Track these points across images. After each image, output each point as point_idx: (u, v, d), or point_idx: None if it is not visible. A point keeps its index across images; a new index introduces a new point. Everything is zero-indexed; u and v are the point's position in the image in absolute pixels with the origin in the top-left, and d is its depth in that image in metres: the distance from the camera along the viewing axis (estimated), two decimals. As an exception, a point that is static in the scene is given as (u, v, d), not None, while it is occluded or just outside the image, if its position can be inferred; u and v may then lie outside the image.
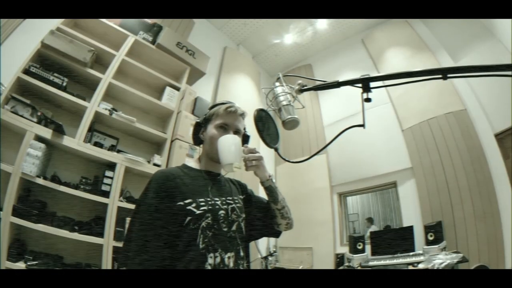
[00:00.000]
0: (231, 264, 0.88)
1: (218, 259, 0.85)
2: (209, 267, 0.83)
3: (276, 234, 1.16)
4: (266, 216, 1.09)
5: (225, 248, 0.88)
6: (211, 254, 0.84)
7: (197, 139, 1.08)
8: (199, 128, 1.07)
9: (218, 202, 0.93)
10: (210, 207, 0.90)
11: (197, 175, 0.99)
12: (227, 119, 1.01)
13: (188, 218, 0.85)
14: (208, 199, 0.92)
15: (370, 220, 5.21)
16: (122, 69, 2.71)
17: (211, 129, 1.01)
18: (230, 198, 0.99)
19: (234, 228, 0.94)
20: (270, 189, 1.03)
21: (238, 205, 1.00)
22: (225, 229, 0.91)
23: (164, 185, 0.89)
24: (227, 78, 4.48)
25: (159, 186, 0.88)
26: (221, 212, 0.92)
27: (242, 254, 0.94)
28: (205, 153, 1.04)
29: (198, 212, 0.87)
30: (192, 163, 1.05)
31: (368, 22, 4.74)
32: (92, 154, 2.24)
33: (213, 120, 1.02)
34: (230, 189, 1.05)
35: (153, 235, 0.82)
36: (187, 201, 0.87)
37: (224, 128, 1.00)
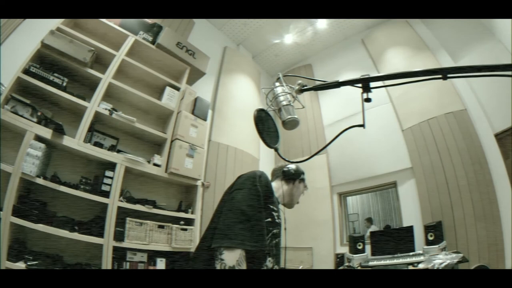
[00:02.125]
0: None
1: (271, 265, 1.02)
2: (264, 268, 0.98)
3: None
4: None
5: (277, 259, 1.07)
6: (270, 259, 1.02)
7: (288, 179, 1.35)
8: (296, 176, 1.36)
9: (283, 224, 1.20)
10: (281, 222, 1.17)
11: (275, 195, 1.24)
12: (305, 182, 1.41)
13: (269, 219, 1.04)
14: (281, 217, 1.20)
15: (370, 220, 5.21)
16: (122, 69, 2.71)
17: (300, 188, 1.37)
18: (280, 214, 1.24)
19: (281, 247, 1.15)
20: None
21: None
22: (280, 245, 1.12)
23: (268, 185, 1.11)
24: (227, 78, 4.48)
25: (266, 184, 1.09)
26: (282, 229, 1.18)
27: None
28: (286, 193, 1.32)
29: (277, 220, 1.10)
30: (274, 184, 1.31)
31: (368, 22, 4.74)
32: (92, 154, 2.24)
33: (301, 183, 1.39)
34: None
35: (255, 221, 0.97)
36: (273, 208, 1.09)
37: (304, 187, 1.40)
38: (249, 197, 0.98)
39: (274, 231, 1.05)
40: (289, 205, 1.34)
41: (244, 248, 0.88)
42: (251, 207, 0.96)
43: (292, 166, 1.36)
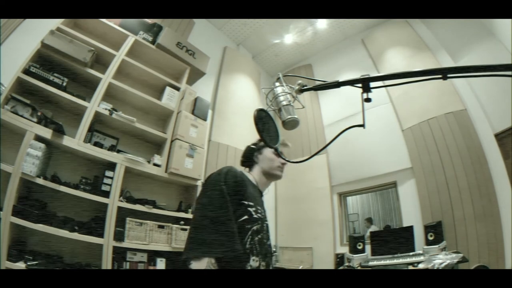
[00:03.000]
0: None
1: (257, 264, 0.97)
2: (249, 268, 0.93)
3: None
4: None
5: (263, 256, 1.01)
6: (254, 257, 0.96)
7: (249, 161, 1.27)
8: (253, 151, 1.28)
9: (266, 216, 1.13)
10: (262, 217, 1.07)
11: (254, 187, 1.17)
12: (282, 149, 1.28)
13: (245, 217, 0.98)
14: (262, 210, 1.11)
15: (370, 220, 5.21)
16: (122, 69, 2.71)
17: (269, 154, 1.24)
18: (267, 219, 1.16)
19: (269, 242, 1.09)
20: None
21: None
22: (265, 240, 1.04)
23: (237, 181, 1.03)
24: (227, 78, 4.48)
25: (234, 180, 1.02)
26: (266, 223, 1.10)
27: (271, 267, 1.08)
28: (261, 172, 1.24)
29: (255, 216, 1.02)
30: (250, 176, 1.22)
31: (368, 22, 4.74)
32: (92, 154, 2.24)
33: (260, 149, 1.27)
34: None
35: (219, 223, 0.91)
36: (249, 203, 1.02)
37: (278, 156, 1.22)
38: (213, 201, 0.93)
39: (254, 227, 0.99)
40: (273, 178, 1.25)
41: (210, 256, 0.86)
42: (216, 211, 0.92)
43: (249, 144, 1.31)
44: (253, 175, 1.23)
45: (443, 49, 3.80)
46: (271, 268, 1.06)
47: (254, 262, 0.94)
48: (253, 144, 1.30)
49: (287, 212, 4.61)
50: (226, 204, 0.94)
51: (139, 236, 2.28)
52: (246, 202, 1.00)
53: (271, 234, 1.23)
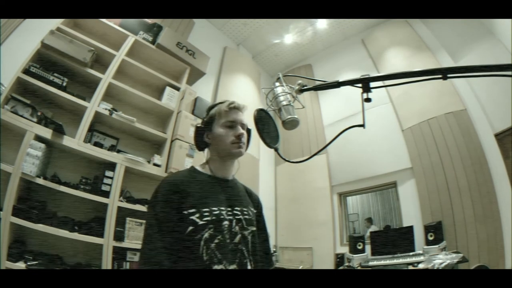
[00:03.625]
0: None
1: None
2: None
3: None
4: (262, 249, 1.06)
5: (229, 260, 0.86)
6: (216, 266, 0.83)
7: (202, 144, 1.07)
8: (202, 132, 1.06)
9: (224, 212, 0.92)
10: (213, 218, 0.88)
11: (205, 181, 0.98)
12: (232, 116, 1.02)
13: (190, 228, 0.84)
14: (214, 208, 0.90)
15: (370, 220, 5.20)
16: (122, 69, 2.71)
17: (218, 129, 1.01)
18: (238, 208, 0.98)
19: (236, 240, 0.91)
20: None
21: (246, 216, 0.98)
22: (228, 241, 0.89)
23: (170, 194, 0.88)
24: (227, 78, 4.48)
25: (165, 196, 0.88)
26: (225, 222, 0.90)
27: (250, 267, 0.91)
28: (216, 154, 1.03)
29: (200, 222, 0.86)
30: (200, 168, 1.04)
31: (368, 22, 4.74)
32: (92, 154, 2.24)
33: (217, 120, 1.03)
34: (240, 197, 1.03)
35: (160, 245, 0.81)
36: (191, 211, 0.86)
37: (231, 126, 1.01)
38: (148, 223, 0.86)
39: (205, 235, 0.85)
40: (231, 157, 1.02)
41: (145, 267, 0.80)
42: (148, 229, 0.84)
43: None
44: (209, 163, 1.04)
45: (443, 49, 3.80)
46: (249, 268, 0.91)
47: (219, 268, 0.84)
48: (201, 123, 1.07)
49: (287, 212, 4.61)
50: (156, 227, 0.83)
51: (139, 236, 2.28)
52: (186, 212, 0.86)
53: (271, 234, 1.14)
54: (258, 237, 1.03)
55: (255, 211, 1.07)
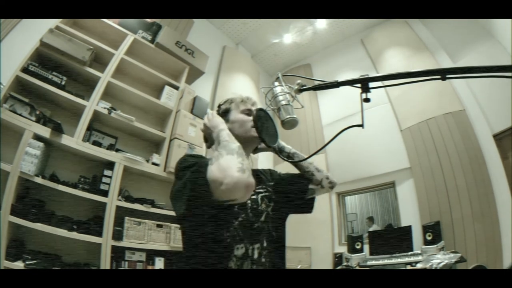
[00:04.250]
0: (255, 256, 0.87)
1: (242, 250, 0.85)
2: (234, 259, 0.83)
3: (310, 206, 1.24)
4: (301, 182, 1.15)
5: (251, 239, 0.87)
6: (237, 246, 0.84)
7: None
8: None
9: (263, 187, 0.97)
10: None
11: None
12: (249, 105, 1.08)
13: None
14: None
15: (371, 219, 5.21)
16: (121, 68, 2.70)
17: (237, 115, 1.04)
18: (260, 186, 1.01)
19: (262, 218, 0.93)
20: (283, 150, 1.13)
21: (267, 194, 1.01)
22: (253, 219, 0.90)
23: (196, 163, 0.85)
24: (226, 77, 4.48)
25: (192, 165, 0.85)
26: (248, 201, 0.92)
27: (266, 245, 0.91)
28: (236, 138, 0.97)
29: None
30: None
31: (367, 22, 4.74)
32: (90, 153, 2.24)
33: (235, 110, 1.06)
34: (259, 178, 1.04)
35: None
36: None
37: (249, 114, 1.04)
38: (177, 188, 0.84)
39: (233, 210, 0.86)
40: (253, 142, 1.03)
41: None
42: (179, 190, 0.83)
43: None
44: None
45: (442, 49, 3.80)
46: (265, 245, 0.90)
47: (238, 251, 0.83)
48: (222, 105, 1.09)
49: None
50: (183, 186, 0.80)
51: (137, 235, 2.28)
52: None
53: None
54: (294, 175, 1.17)
55: (272, 183, 1.09)
